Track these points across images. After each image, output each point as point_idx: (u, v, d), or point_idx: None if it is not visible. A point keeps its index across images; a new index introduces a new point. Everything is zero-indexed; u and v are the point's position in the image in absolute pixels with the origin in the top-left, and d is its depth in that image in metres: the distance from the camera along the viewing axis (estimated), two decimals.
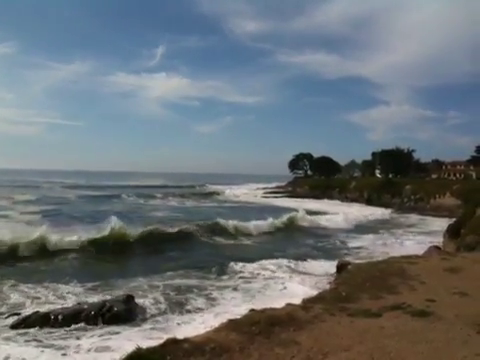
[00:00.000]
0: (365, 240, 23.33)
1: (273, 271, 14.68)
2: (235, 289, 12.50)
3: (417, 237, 24.77)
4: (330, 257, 17.24)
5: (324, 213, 37.89)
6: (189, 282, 13.22)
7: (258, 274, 14.32)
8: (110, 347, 7.94)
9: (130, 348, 7.26)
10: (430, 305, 6.14)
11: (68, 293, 11.72)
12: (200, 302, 11.22)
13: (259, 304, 9.44)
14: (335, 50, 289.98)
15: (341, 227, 30.05)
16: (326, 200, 59.69)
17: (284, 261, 16.11)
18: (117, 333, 8.87)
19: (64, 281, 12.74)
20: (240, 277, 13.97)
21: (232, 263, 15.50)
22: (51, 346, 8.01)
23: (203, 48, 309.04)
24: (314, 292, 9.63)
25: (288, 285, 12.75)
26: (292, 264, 15.71)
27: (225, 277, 14.02)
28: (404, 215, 40.95)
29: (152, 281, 13.16)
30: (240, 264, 15.42)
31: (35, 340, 8.36)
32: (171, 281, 13.22)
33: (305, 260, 16.61)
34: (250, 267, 15.17)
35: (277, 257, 16.84)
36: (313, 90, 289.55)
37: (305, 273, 14.46)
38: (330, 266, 14.15)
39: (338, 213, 36.49)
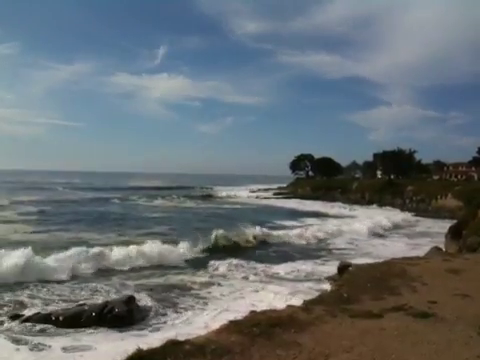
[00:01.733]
0: None
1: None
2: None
3: None
4: None
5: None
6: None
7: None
8: (92, 347, 8.16)
9: (105, 349, 7.47)
10: (432, 306, 6.12)
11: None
12: (196, 301, 11.51)
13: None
14: (336, 50, 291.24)
15: None
16: (322, 202, 58.26)
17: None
18: (107, 334, 9.01)
19: None
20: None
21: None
22: (29, 344, 8.22)
23: (204, 49, 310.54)
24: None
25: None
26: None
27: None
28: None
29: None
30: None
31: (17, 339, 8.49)
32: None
33: None
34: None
35: None
36: (314, 90, 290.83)
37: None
38: None
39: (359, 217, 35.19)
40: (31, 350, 7.96)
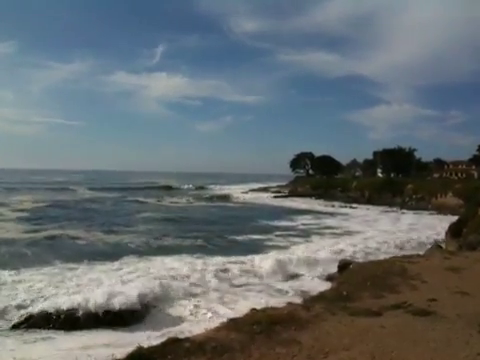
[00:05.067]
0: None
1: None
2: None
3: None
4: None
5: None
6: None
7: None
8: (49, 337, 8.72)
9: (63, 339, 8.08)
10: (431, 304, 6.12)
11: None
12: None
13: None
14: (336, 49, 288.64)
15: None
16: (319, 201, 57.91)
17: None
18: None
19: None
20: None
21: None
22: None
23: (203, 47, 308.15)
24: None
25: None
26: None
27: None
28: None
29: None
30: None
31: None
32: None
33: None
34: None
35: None
36: (314, 89, 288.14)
37: None
38: None
39: None
40: None
